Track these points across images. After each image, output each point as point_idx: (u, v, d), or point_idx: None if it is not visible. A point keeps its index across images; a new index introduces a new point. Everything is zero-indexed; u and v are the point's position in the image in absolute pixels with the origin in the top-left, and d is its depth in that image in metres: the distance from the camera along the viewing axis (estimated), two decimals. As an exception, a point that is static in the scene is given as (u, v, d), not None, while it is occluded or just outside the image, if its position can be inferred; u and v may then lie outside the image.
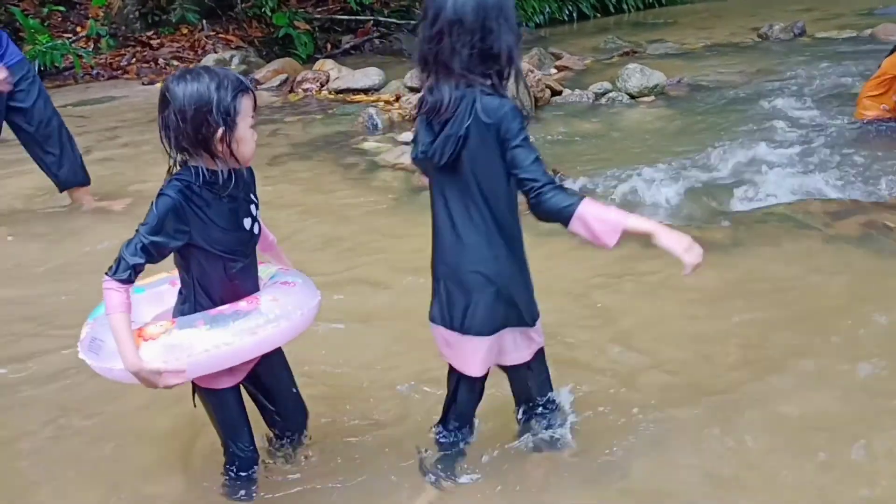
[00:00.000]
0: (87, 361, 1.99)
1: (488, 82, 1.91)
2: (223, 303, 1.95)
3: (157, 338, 1.87)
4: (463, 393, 2.16)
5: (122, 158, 5.69)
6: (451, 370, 2.15)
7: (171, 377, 1.87)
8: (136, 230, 1.85)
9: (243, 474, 2.16)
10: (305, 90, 7.32)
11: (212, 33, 9.28)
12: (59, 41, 8.60)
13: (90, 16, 9.37)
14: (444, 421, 2.23)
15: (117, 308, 1.84)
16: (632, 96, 6.43)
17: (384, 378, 2.74)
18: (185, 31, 9.26)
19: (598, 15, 11.81)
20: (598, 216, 1.84)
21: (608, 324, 3.05)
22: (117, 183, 5.04)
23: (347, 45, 9.71)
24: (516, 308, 2.03)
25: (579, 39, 9.99)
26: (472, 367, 2.07)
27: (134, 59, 8.88)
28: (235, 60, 8.17)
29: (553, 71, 7.82)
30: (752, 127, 5.49)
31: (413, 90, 6.67)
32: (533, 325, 2.10)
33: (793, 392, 2.53)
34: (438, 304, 2.05)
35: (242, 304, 1.94)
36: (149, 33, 9.34)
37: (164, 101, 1.83)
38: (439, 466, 2.23)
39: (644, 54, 8.60)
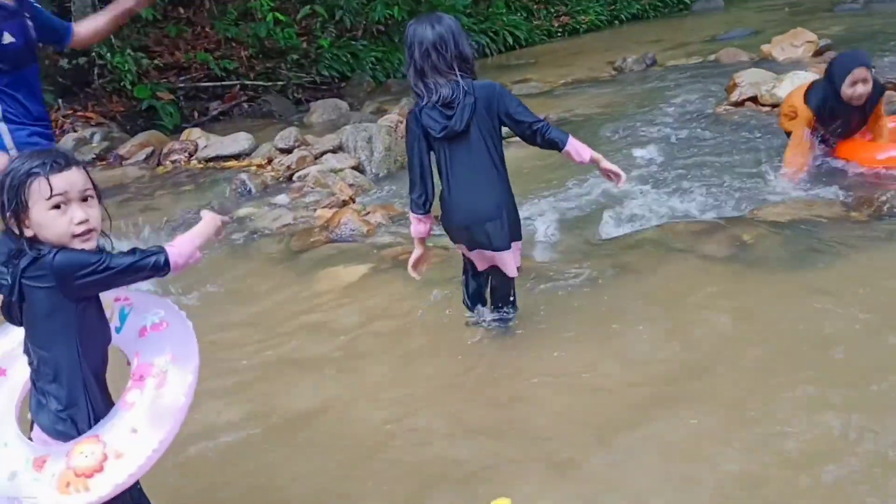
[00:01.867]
0: None
1: (467, 75, 2.95)
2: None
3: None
4: (497, 282, 3.25)
5: None
6: (479, 274, 3.25)
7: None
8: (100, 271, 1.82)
9: None
10: (174, 161, 7.12)
11: (70, 112, 8.94)
12: None
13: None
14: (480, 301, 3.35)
15: None
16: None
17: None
18: None
19: (463, 61, 12.09)
20: (578, 146, 3.02)
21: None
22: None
23: (215, 112, 9.56)
24: (517, 224, 3.11)
25: (447, 86, 10.19)
26: (511, 270, 3.12)
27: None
28: (97, 138, 7.88)
29: (423, 119, 7.90)
30: (618, 155, 5.69)
31: (284, 151, 6.61)
32: (520, 238, 3.16)
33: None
34: (466, 237, 3.07)
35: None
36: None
37: None
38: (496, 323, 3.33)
39: (510, 96, 8.83)
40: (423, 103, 2.96)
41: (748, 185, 4.76)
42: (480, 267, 3.20)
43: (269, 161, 6.63)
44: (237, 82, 9.94)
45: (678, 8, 15.22)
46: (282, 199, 5.58)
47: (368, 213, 5.03)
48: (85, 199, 1.84)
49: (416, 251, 3.21)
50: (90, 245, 1.84)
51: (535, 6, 14.07)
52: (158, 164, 7.16)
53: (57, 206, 1.79)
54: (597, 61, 10.46)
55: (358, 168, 6.11)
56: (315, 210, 5.23)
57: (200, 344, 1.99)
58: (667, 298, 3.44)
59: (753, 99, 6.54)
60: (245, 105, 9.74)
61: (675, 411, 2.64)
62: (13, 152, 3.51)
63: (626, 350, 3.08)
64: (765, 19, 12.38)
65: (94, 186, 1.88)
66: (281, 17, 10.30)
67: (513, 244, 3.08)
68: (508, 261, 3.08)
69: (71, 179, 1.81)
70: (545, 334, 3.27)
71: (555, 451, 2.54)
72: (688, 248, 3.83)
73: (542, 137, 2.98)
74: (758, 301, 3.31)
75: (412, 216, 3.11)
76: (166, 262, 1.90)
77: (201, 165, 7.02)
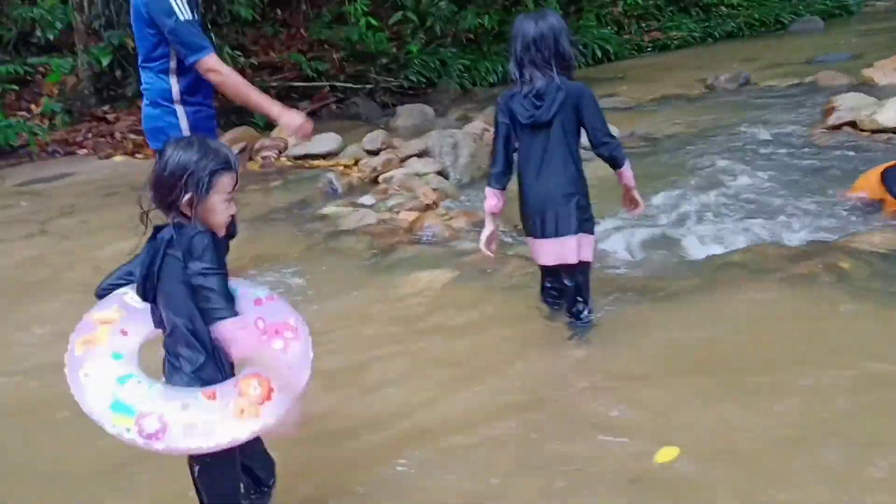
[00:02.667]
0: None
1: (563, 73, 3.15)
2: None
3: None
4: (568, 278, 3.34)
5: (78, 234, 5.62)
6: (551, 272, 3.44)
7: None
8: (206, 269, 1.95)
9: None
10: (264, 158, 7.34)
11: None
12: (14, 119, 8.55)
13: (44, 93, 9.34)
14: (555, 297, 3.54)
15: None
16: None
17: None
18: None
19: (550, 72, 12.04)
20: (630, 172, 3.31)
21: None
22: (73, 257, 4.97)
23: (305, 111, 9.72)
24: (586, 214, 3.27)
25: (533, 97, 10.18)
26: (571, 257, 3.22)
27: (90, 135, 8.84)
28: (192, 132, 8.18)
29: (509, 129, 7.93)
30: (705, 175, 5.61)
31: (371, 153, 6.73)
32: (593, 233, 3.34)
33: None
34: (538, 222, 3.23)
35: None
36: (104, 108, 9.33)
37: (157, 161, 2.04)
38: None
39: (597, 109, 8.77)
40: (517, 91, 3.20)
41: (842, 211, 4.62)
42: (546, 261, 3.35)
43: (356, 162, 6.76)
44: (327, 83, 10.15)
45: (774, 27, 14.80)
46: (367, 199, 5.68)
47: (451, 218, 5.08)
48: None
49: (488, 227, 3.38)
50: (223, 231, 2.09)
51: (626, 20, 13.91)
52: (250, 159, 7.38)
53: (228, 200, 2.06)
54: (687, 78, 10.28)
55: (442, 173, 6.16)
56: (399, 212, 5.31)
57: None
58: (750, 322, 3.37)
59: (852, 123, 6.32)
60: (333, 106, 9.94)
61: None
62: (188, 133, 3.70)
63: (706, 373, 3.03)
64: (867, 43, 11.95)
65: None
66: (373, 22, 10.47)
67: (580, 234, 3.23)
68: (571, 248, 3.21)
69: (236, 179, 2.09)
70: (617, 350, 3.25)
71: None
72: (778, 272, 3.74)
73: (608, 150, 3.21)
74: (854, 334, 3.20)
75: (488, 190, 3.34)
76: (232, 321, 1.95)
77: (290, 163, 7.21)
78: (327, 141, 7.38)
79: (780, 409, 2.72)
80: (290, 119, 3.73)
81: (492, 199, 3.33)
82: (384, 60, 10.66)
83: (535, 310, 3.63)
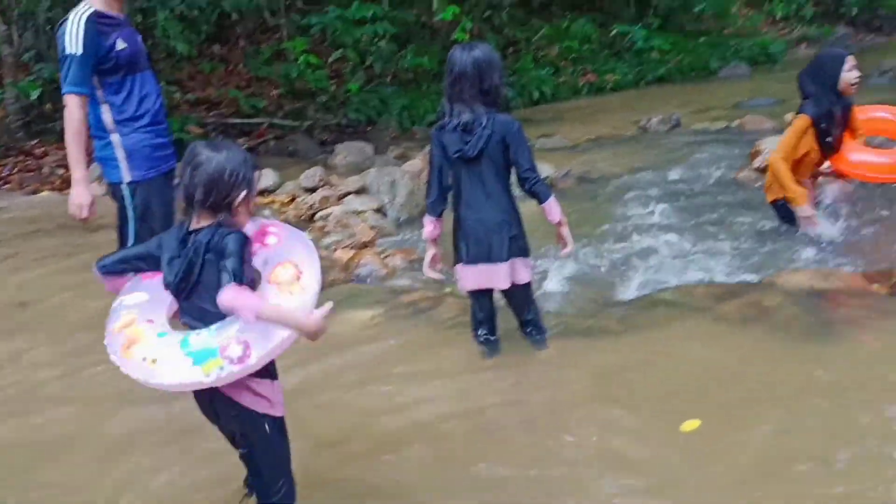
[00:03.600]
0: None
1: (491, 107, 3.22)
2: None
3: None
4: (486, 303, 3.51)
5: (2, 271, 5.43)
6: (480, 295, 3.49)
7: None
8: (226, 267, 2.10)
9: None
10: (199, 194, 7.22)
11: (100, 140, 9.10)
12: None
13: (-31, 127, 9.07)
14: (486, 328, 3.57)
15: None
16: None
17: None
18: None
19: (489, 112, 12.20)
20: (554, 206, 3.35)
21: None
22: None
23: (242, 147, 9.67)
24: (519, 242, 3.36)
25: (471, 136, 10.28)
26: (502, 283, 3.36)
27: (16, 169, 8.59)
28: (125, 167, 8.01)
29: (447, 167, 8.00)
30: (637, 214, 5.74)
31: (308, 190, 6.69)
32: (528, 256, 3.42)
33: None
34: (470, 249, 3.34)
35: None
36: (32, 142, 9.09)
37: (196, 165, 2.18)
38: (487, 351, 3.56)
39: (534, 149, 8.89)
40: (446, 123, 3.29)
41: (767, 251, 4.77)
42: (471, 286, 3.45)
43: (293, 199, 6.70)
44: (265, 120, 10.10)
45: (704, 73, 15.34)
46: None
47: (388, 255, 5.07)
48: None
49: (429, 252, 3.52)
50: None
51: (562, 63, 14.24)
52: (184, 195, 7.25)
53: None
54: (621, 120, 10.55)
55: (380, 211, 6.17)
56: (335, 250, 5.28)
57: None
58: (678, 361, 3.43)
59: (776, 166, 6.54)
60: (271, 143, 9.87)
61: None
62: (123, 163, 3.76)
63: (632, 408, 3.06)
64: (790, 89, 12.37)
65: None
66: (313, 60, 10.50)
67: (513, 259, 3.35)
68: (502, 274, 3.35)
69: None
70: (541, 388, 3.27)
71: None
72: (705, 310, 3.82)
73: (530, 185, 3.30)
74: (773, 368, 3.29)
75: (425, 218, 3.47)
76: (230, 286, 2.07)
77: (225, 200, 7.10)
78: (263, 178, 7.29)
79: (696, 444, 2.76)
80: (75, 195, 3.74)
81: (428, 226, 3.45)
82: (323, 98, 10.68)
83: (467, 344, 3.63)
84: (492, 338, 3.60)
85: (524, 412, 3.17)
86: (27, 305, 4.56)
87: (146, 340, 2.15)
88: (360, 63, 11.22)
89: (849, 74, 4.65)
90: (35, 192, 7.85)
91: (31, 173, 8.49)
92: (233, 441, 2.38)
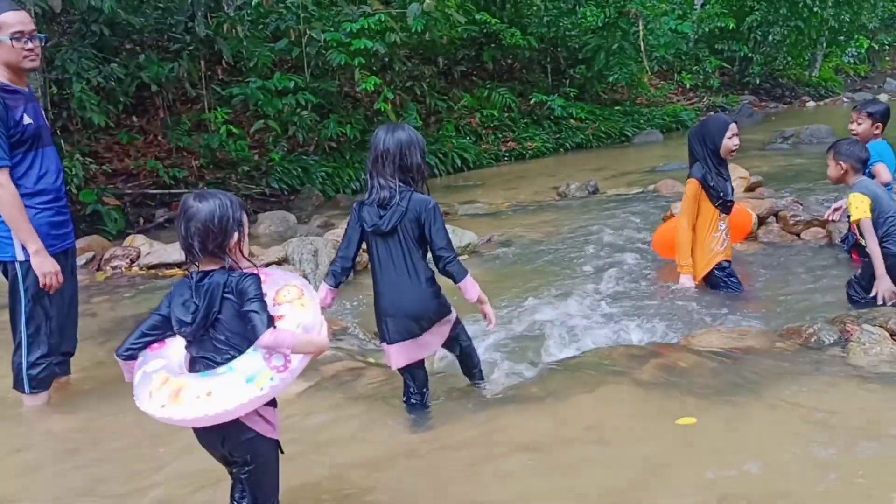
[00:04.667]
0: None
1: (409, 185, 3.35)
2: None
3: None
4: (419, 373, 3.58)
5: None
6: (406, 369, 3.53)
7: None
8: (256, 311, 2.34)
9: None
10: (114, 268, 7.02)
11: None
12: None
13: None
14: (418, 396, 3.60)
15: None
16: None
17: None
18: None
19: (412, 180, 12.33)
20: (469, 285, 3.43)
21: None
22: None
23: (161, 219, 9.51)
24: (438, 306, 3.47)
25: (395, 204, 10.34)
26: (431, 350, 3.59)
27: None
28: (37, 240, 7.75)
29: (370, 235, 8.01)
30: (558, 279, 5.84)
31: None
32: (449, 312, 3.55)
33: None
34: (390, 328, 3.43)
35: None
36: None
37: (188, 217, 2.37)
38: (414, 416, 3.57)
39: (457, 216, 9.04)
40: (367, 198, 3.41)
41: (683, 312, 4.89)
42: (396, 365, 3.52)
43: (213, 270, 6.58)
44: (186, 191, 9.95)
45: (619, 140, 15.93)
46: (222, 309, 5.51)
47: (310, 326, 4.99)
48: None
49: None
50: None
51: (484, 131, 14.59)
52: (98, 269, 7.05)
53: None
54: (542, 186, 10.82)
55: (302, 281, 6.10)
56: (256, 322, 5.17)
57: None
58: (599, 422, 3.45)
59: (689, 229, 6.77)
60: (192, 213, 9.71)
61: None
62: (17, 241, 3.68)
63: (553, 473, 3.06)
64: (700, 154, 13.00)
65: None
66: (234, 130, 10.48)
67: (436, 326, 3.49)
68: (430, 344, 3.53)
69: None
70: (465, 459, 3.24)
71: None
72: (624, 373, 3.88)
73: (444, 265, 3.39)
74: (689, 428, 3.34)
75: (323, 284, 3.53)
76: (269, 331, 2.32)
77: (143, 272, 6.93)
78: (176, 250, 7.17)
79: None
80: (44, 265, 3.71)
81: (322, 292, 3.48)
82: (246, 168, 10.62)
83: (391, 419, 3.59)
84: (420, 402, 3.62)
85: (442, 477, 3.12)
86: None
87: (192, 382, 2.33)
88: (283, 133, 11.26)
89: (729, 142, 4.97)
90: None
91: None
92: (227, 463, 2.58)
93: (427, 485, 3.09)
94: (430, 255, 3.47)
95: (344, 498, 3.02)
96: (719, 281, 5.14)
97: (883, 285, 4.49)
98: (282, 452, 2.61)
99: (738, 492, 2.83)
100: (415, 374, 3.59)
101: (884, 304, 4.47)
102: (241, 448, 2.48)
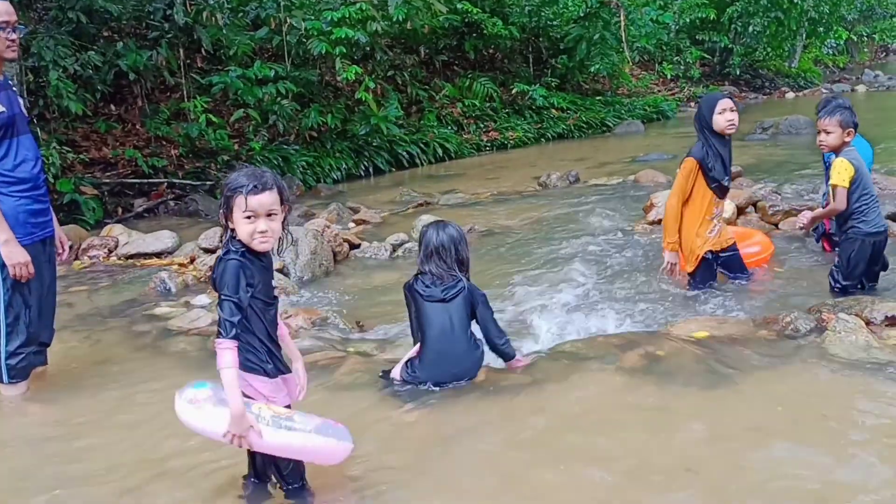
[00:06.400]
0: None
1: (463, 274, 3.81)
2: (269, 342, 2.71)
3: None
4: None
5: None
6: None
7: (254, 436, 2.55)
8: (221, 297, 2.54)
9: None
10: (91, 257, 6.96)
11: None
12: None
13: None
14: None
15: (231, 364, 2.50)
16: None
17: None
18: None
19: (393, 169, 12.33)
20: (520, 364, 3.89)
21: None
22: None
23: (140, 209, 9.42)
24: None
25: (376, 193, 10.35)
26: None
27: None
28: (13, 230, 7.66)
29: (351, 225, 8.00)
30: (538, 268, 5.84)
31: (207, 251, 6.55)
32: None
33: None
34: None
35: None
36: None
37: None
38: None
39: (437, 205, 9.03)
40: (418, 280, 3.81)
41: (663, 301, 4.92)
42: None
43: (192, 260, 6.54)
44: (165, 180, 9.87)
45: (601, 130, 15.97)
46: (201, 299, 5.48)
47: (290, 316, 4.97)
48: (269, 215, 2.57)
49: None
50: (265, 246, 2.61)
51: (465, 121, 14.57)
52: (76, 258, 6.98)
53: (248, 217, 2.55)
54: (522, 176, 10.82)
55: (282, 271, 6.07)
56: (235, 311, 5.14)
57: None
58: (579, 411, 3.47)
59: (668, 219, 6.81)
60: (171, 203, 9.64)
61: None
62: None
63: (534, 466, 3.07)
64: (681, 145, 13.01)
65: (284, 201, 2.63)
66: (214, 119, 10.40)
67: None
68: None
69: (262, 201, 2.55)
70: (454, 446, 3.25)
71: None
72: (605, 361, 3.89)
73: (497, 348, 3.84)
74: (668, 416, 3.36)
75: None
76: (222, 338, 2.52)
77: (121, 262, 6.88)
78: (162, 239, 7.12)
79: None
80: (14, 255, 3.68)
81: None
82: (225, 157, 10.54)
83: (368, 407, 3.58)
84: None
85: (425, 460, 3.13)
86: None
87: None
88: (263, 122, 11.18)
89: (720, 117, 4.82)
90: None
91: None
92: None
93: (417, 468, 3.09)
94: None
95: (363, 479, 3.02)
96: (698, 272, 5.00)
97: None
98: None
99: (717, 479, 2.85)
100: None
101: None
102: None
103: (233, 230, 2.60)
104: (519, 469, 3.03)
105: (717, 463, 2.96)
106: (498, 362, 3.95)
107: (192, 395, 2.64)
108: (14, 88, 3.90)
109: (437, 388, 3.69)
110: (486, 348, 3.85)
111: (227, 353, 2.50)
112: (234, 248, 2.60)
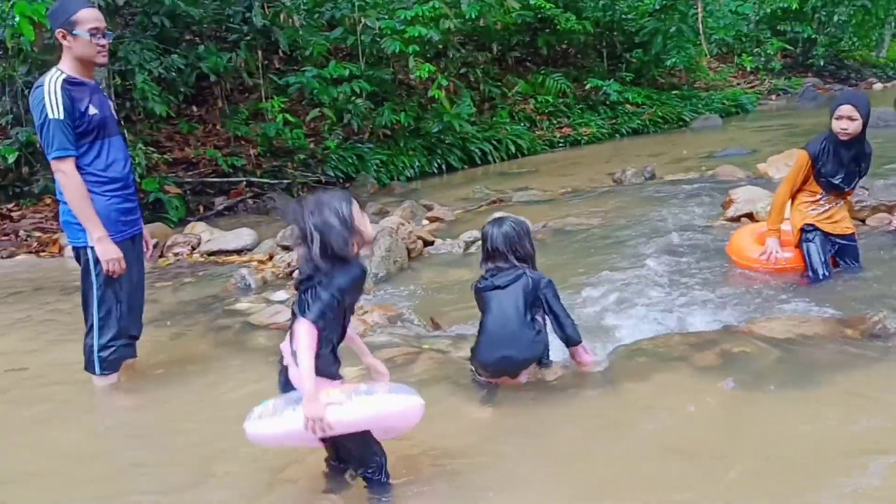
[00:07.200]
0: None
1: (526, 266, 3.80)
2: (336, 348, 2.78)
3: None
4: None
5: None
6: None
7: (333, 413, 2.55)
8: (319, 296, 2.59)
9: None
10: (176, 254, 7.21)
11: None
12: (-89, 218, 8.22)
13: (-56, 191, 9.03)
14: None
15: (308, 345, 2.53)
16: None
17: None
18: (48, 200, 9.02)
19: (466, 166, 12.38)
20: (586, 351, 3.83)
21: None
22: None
23: (220, 207, 9.70)
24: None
25: (449, 191, 10.39)
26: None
27: (-7, 232, 8.54)
28: (103, 228, 7.98)
29: (425, 222, 8.06)
30: (614, 266, 5.77)
31: (286, 248, 6.70)
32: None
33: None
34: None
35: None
36: (9, 205, 9.06)
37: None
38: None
39: (511, 202, 9.01)
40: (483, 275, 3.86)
41: (743, 299, 4.81)
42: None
43: (271, 257, 6.70)
44: (244, 179, 10.14)
45: (677, 125, 15.66)
46: (280, 295, 5.61)
47: (366, 312, 5.04)
48: None
49: None
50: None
51: (538, 117, 14.50)
52: (161, 255, 7.23)
53: None
54: (597, 172, 10.69)
55: (357, 267, 6.16)
56: (313, 307, 5.24)
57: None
58: (656, 408, 3.42)
59: (749, 215, 6.66)
60: (250, 201, 9.90)
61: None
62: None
63: (606, 458, 3.04)
64: (761, 139, 12.73)
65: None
66: (290, 119, 10.61)
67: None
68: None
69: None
70: (532, 442, 3.24)
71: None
72: (682, 360, 3.83)
73: (562, 330, 3.73)
74: (748, 417, 3.29)
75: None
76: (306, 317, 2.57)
77: (203, 259, 7.10)
78: (242, 236, 7.32)
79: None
80: (108, 252, 3.81)
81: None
82: (302, 156, 10.76)
83: (445, 401, 3.61)
84: None
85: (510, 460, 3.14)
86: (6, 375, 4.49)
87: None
88: (338, 121, 11.36)
89: (835, 122, 4.86)
90: (11, 255, 7.79)
91: (8, 237, 8.44)
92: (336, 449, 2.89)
93: (494, 460, 3.10)
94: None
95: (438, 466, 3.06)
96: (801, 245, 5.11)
97: None
98: None
99: (797, 481, 2.78)
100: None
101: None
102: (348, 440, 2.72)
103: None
104: (601, 463, 3.01)
105: (801, 462, 2.88)
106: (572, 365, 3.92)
107: (260, 412, 2.71)
108: (104, 92, 4.09)
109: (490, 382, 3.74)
110: (550, 337, 3.80)
111: (307, 335, 2.54)
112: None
